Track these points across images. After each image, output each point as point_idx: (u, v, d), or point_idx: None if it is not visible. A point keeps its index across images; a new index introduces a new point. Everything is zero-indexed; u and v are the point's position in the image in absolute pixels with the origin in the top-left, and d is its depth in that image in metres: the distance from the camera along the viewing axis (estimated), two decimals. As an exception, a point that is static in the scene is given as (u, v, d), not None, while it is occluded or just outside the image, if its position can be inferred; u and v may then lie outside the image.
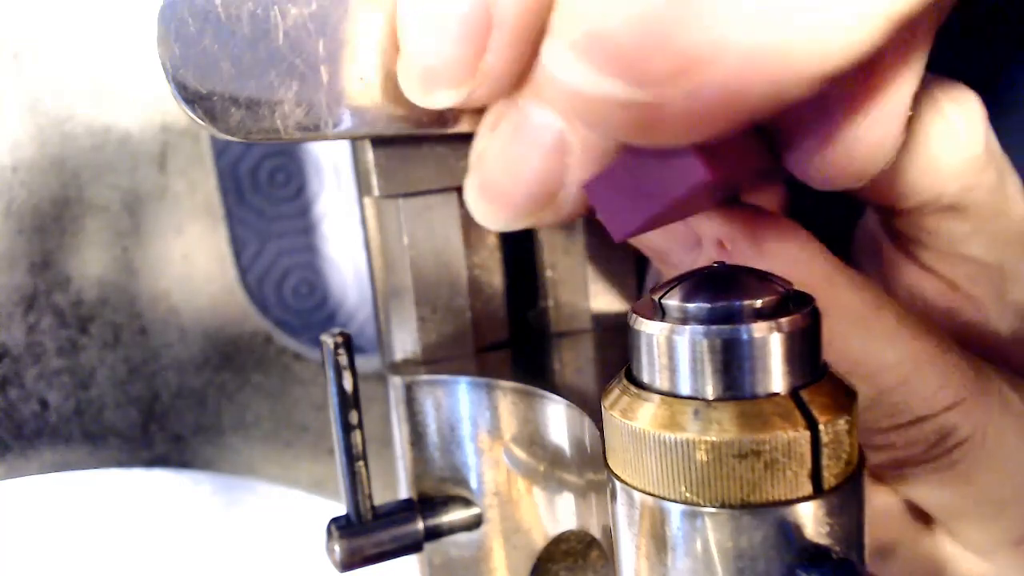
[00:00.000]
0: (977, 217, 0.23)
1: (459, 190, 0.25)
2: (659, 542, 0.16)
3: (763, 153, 0.18)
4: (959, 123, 0.21)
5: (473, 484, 0.24)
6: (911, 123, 0.19)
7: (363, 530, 0.23)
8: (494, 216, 0.19)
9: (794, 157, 0.18)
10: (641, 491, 0.16)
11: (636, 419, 0.15)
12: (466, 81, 0.17)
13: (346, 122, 0.20)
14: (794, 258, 0.19)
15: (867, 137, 0.17)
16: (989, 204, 0.23)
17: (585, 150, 0.17)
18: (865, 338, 0.20)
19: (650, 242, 0.22)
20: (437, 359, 0.25)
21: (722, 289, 0.15)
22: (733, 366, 0.15)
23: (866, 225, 0.26)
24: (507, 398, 0.23)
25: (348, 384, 0.22)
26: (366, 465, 0.23)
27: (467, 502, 0.24)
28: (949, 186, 0.22)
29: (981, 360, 0.22)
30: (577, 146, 0.17)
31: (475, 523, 0.24)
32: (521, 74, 0.18)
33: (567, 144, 0.17)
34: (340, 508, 0.24)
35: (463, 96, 0.18)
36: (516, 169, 0.18)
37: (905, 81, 0.17)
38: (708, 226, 0.20)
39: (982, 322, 0.25)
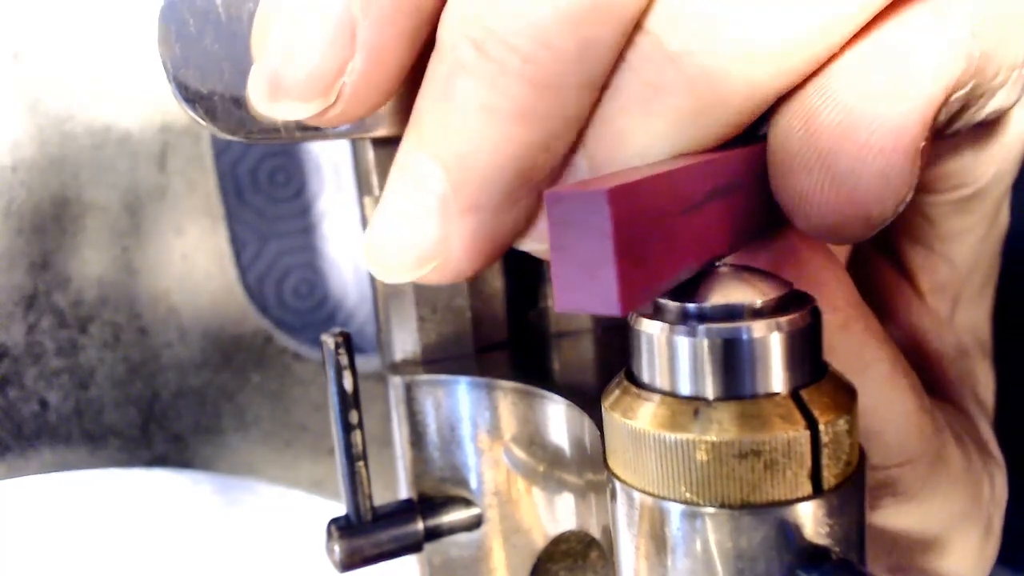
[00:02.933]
0: (980, 216, 0.24)
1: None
2: (659, 542, 0.16)
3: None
4: (1018, 110, 0.21)
5: (473, 484, 0.24)
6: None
7: (363, 530, 0.23)
8: (380, 268, 0.17)
9: (790, 202, 0.17)
10: (641, 491, 0.16)
11: (636, 419, 0.15)
12: (316, 98, 0.16)
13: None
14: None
15: (868, 170, 0.16)
16: (994, 203, 0.24)
17: (466, 205, 0.16)
18: (856, 382, 0.19)
19: None
20: (437, 359, 0.25)
21: (722, 288, 0.15)
22: (733, 366, 0.15)
23: None
24: (507, 398, 0.23)
25: (348, 384, 0.22)
26: (366, 465, 0.23)
27: (467, 502, 0.24)
28: (989, 172, 0.21)
29: (941, 414, 0.22)
30: (458, 200, 0.16)
31: (475, 523, 0.24)
32: (379, 102, 0.17)
33: (449, 197, 0.16)
34: (340, 508, 0.24)
35: (311, 112, 0.17)
36: (401, 221, 0.17)
37: None
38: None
39: (934, 337, 0.25)
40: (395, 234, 0.17)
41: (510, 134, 0.16)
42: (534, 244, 0.18)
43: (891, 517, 0.22)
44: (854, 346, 0.19)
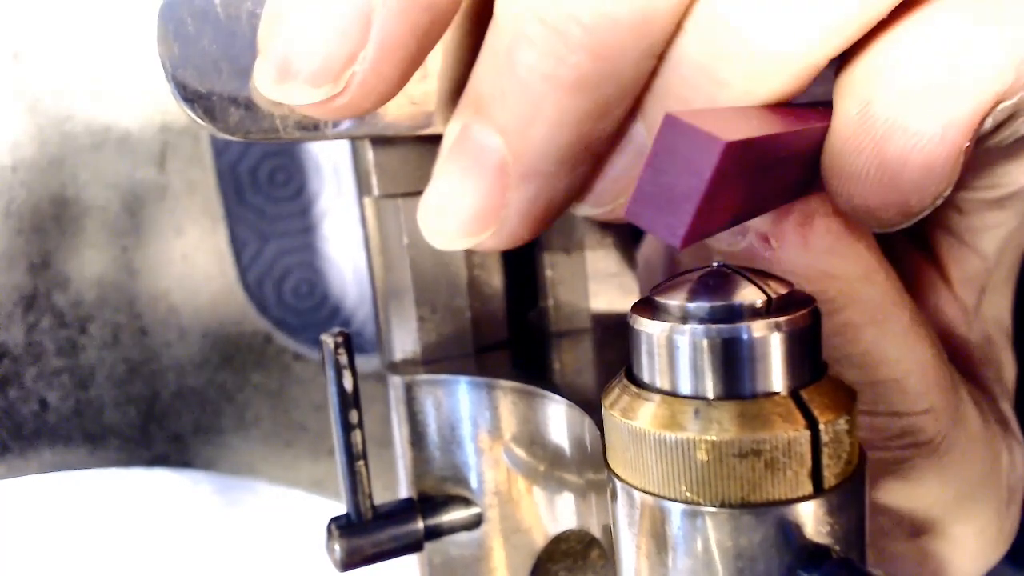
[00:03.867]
0: (1013, 212, 0.24)
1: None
2: (659, 542, 0.16)
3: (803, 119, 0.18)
4: None
5: (473, 484, 0.24)
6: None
7: (363, 530, 0.23)
8: (437, 235, 0.18)
9: (836, 181, 0.17)
10: (641, 491, 0.16)
11: (636, 418, 0.15)
12: (325, 84, 0.16)
13: (346, 122, 0.20)
14: (838, 254, 0.19)
15: (914, 162, 0.16)
16: None
17: (525, 172, 0.17)
18: (877, 333, 0.20)
19: None
20: (437, 359, 0.25)
21: (722, 288, 0.15)
22: (733, 365, 0.15)
23: None
24: (507, 398, 0.23)
25: (348, 384, 0.22)
26: (366, 465, 0.23)
27: (467, 502, 0.24)
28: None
29: (956, 372, 0.23)
30: (517, 167, 0.17)
31: (475, 523, 0.24)
32: (386, 97, 0.17)
33: (507, 165, 0.17)
34: (340, 508, 0.24)
35: (318, 98, 0.17)
36: (459, 188, 0.17)
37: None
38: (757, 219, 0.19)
39: (961, 323, 0.26)
40: (453, 202, 0.17)
41: (570, 102, 0.16)
42: (589, 209, 0.19)
43: (912, 473, 0.22)
44: (876, 297, 0.19)
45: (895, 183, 0.16)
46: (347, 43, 0.16)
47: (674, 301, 0.15)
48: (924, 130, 0.16)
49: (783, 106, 0.17)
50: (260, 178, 0.39)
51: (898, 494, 0.23)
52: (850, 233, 0.19)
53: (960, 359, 0.26)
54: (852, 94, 0.17)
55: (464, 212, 0.17)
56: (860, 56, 0.17)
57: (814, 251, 0.18)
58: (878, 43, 0.17)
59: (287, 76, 0.17)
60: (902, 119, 0.16)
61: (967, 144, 0.16)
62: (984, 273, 0.25)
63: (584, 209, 0.19)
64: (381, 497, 0.24)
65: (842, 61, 0.17)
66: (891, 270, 0.20)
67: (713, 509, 0.15)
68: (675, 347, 0.15)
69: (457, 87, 0.19)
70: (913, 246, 0.26)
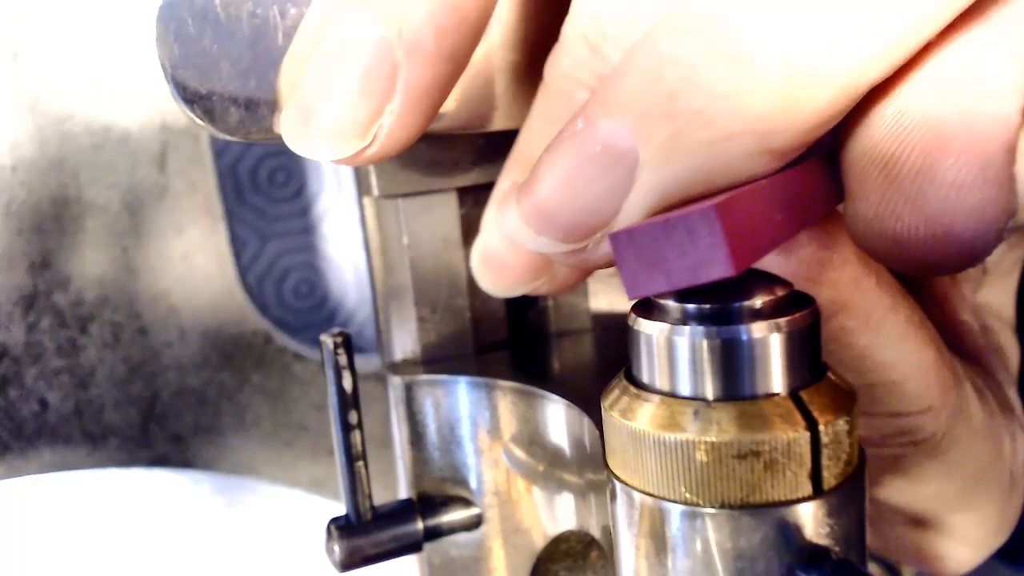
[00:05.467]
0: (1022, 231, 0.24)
1: (458, 190, 0.25)
2: (659, 543, 0.16)
3: (828, 197, 0.17)
4: None
5: (473, 484, 0.24)
6: None
7: (363, 530, 0.23)
8: (540, 239, 0.17)
9: (882, 248, 0.16)
10: (641, 491, 0.16)
11: (636, 419, 0.15)
12: (353, 139, 0.16)
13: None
14: (822, 261, 0.18)
15: (962, 207, 0.15)
16: None
17: (657, 172, 0.15)
18: (872, 337, 0.19)
19: None
20: (437, 359, 0.25)
21: (722, 289, 0.15)
22: (733, 366, 0.15)
23: None
24: (506, 398, 0.23)
25: (347, 384, 0.22)
26: (365, 465, 0.23)
27: (467, 502, 0.24)
28: None
29: (961, 366, 0.23)
30: (648, 165, 0.15)
31: (475, 523, 0.24)
32: (412, 141, 0.17)
33: (636, 162, 0.15)
34: (340, 508, 0.24)
35: (347, 153, 0.17)
36: (575, 184, 0.16)
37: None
38: None
39: (963, 314, 0.26)
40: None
41: None
42: (563, 246, 0.17)
43: (913, 467, 0.22)
44: (867, 303, 0.19)
45: (949, 235, 0.15)
46: (374, 100, 0.16)
47: (673, 302, 0.15)
48: (961, 174, 0.15)
49: (814, 172, 0.17)
50: (260, 178, 0.39)
51: (898, 488, 0.23)
52: (836, 238, 0.18)
53: (965, 347, 0.26)
54: (868, 167, 0.16)
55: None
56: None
57: (796, 259, 0.18)
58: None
59: (314, 133, 0.16)
60: (931, 172, 0.15)
61: (1010, 170, 0.15)
62: (981, 272, 0.25)
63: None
64: (381, 497, 0.24)
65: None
66: (885, 274, 0.19)
67: (712, 510, 0.15)
68: (674, 348, 0.15)
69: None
70: None
